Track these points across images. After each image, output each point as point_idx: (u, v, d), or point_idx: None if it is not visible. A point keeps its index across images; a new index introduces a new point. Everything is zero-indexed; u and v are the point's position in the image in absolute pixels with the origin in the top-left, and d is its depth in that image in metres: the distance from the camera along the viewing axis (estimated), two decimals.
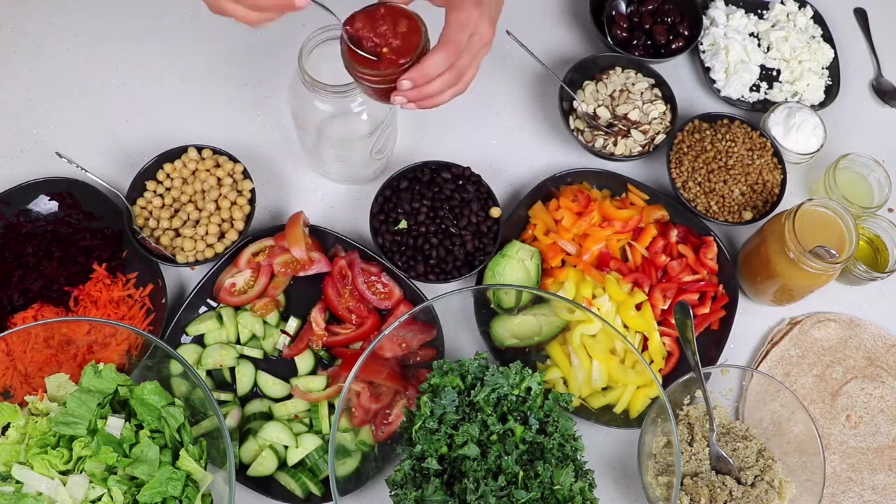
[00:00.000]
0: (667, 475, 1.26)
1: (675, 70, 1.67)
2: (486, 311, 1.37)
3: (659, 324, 1.40)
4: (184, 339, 1.35)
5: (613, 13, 1.66)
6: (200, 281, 1.37)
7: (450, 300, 1.30)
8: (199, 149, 1.44)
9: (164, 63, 1.59)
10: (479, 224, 1.40)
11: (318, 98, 1.25)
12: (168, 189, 1.43)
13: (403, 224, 1.38)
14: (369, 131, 1.33)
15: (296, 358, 1.34)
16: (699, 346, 1.41)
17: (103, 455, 1.13)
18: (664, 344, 1.39)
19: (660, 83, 1.57)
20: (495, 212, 1.42)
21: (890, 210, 1.59)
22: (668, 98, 1.56)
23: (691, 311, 1.35)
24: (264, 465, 1.26)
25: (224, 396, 1.32)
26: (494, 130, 1.59)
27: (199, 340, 1.36)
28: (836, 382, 1.43)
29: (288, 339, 1.36)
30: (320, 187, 1.51)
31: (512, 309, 1.36)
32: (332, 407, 1.31)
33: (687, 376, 1.32)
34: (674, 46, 1.63)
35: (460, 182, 1.43)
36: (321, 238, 1.41)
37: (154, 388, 1.19)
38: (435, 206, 1.41)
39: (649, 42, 1.64)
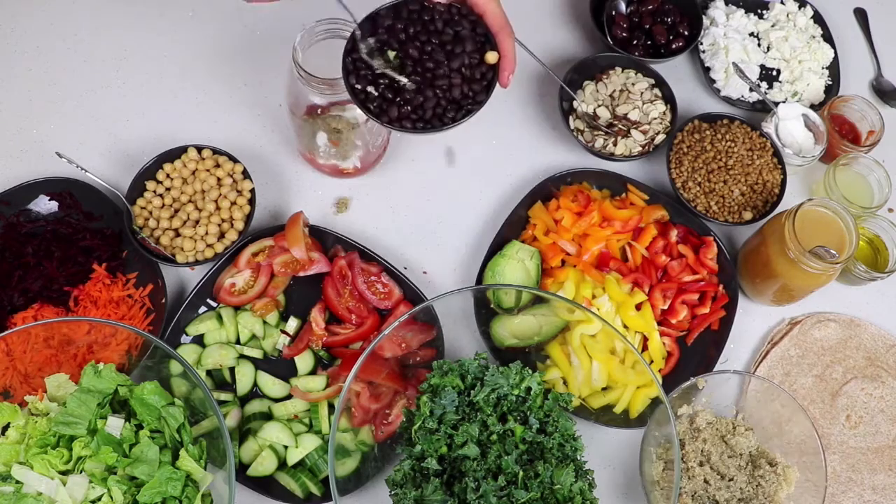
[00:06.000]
0: (666, 481, 1.26)
1: (675, 70, 1.67)
2: (486, 311, 1.36)
3: (659, 324, 1.40)
4: (184, 339, 1.35)
5: (613, 13, 1.66)
6: (200, 281, 1.37)
7: (450, 300, 1.30)
8: (199, 149, 1.44)
9: (164, 63, 1.59)
10: (471, 67, 1.16)
11: (312, 92, 1.25)
12: (168, 189, 1.43)
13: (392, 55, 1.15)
14: (363, 123, 1.33)
15: (296, 358, 1.34)
16: (699, 346, 1.41)
17: (103, 455, 1.13)
18: (664, 344, 1.39)
19: (660, 83, 1.57)
20: (491, 56, 1.16)
21: (890, 210, 1.59)
22: (668, 98, 1.56)
23: None
24: (264, 465, 1.26)
25: (224, 396, 1.32)
26: (494, 130, 1.59)
27: (199, 340, 1.36)
28: (836, 382, 1.43)
29: (288, 339, 1.36)
30: (320, 187, 1.51)
31: (512, 309, 1.36)
32: (331, 407, 1.31)
33: (688, 382, 1.32)
34: (674, 46, 1.63)
35: (455, 17, 1.18)
36: (321, 238, 1.41)
37: (154, 388, 1.19)
38: (421, 38, 1.16)
39: (649, 42, 1.64)
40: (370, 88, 1.15)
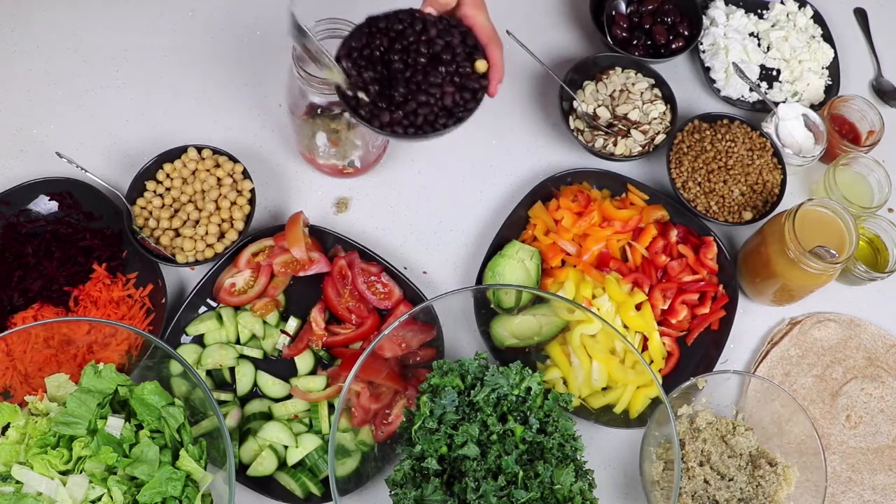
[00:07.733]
0: (666, 481, 1.26)
1: (675, 70, 1.67)
2: (486, 311, 1.36)
3: (659, 324, 1.40)
4: (184, 339, 1.35)
5: (613, 13, 1.66)
6: (200, 281, 1.37)
7: (450, 300, 1.30)
8: (199, 149, 1.44)
9: (164, 63, 1.59)
10: (462, 76, 1.18)
11: (312, 92, 1.26)
12: (168, 189, 1.43)
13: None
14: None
15: (296, 358, 1.34)
16: (699, 346, 1.41)
17: (103, 455, 1.13)
18: (664, 344, 1.39)
19: (660, 83, 1.57)
20: (481, 65, 1.19)
21: (890, 210, 1.59)
22: (668, 98, 1.56)
23: None
24: (264, 465, 1.26)
25: (224, 396, 1.32)
26: (494, 130, 1.59)
27: (199, 340, 1.36)
28: (836, 382, 1.43)
29: (288, 339, 1.36)
30: (320, 187, 1.51)
31: (512, 309, 1.36)
32: (331, 407, 1.31)
33: (688, 382, 1.32)
34: (674, 46, 1.63)
35: (446, 28, 1.20)
36: (321, 238, 1.41)
37: (154, 388, 1.19)
38: (411, 48, 1.19)
39: (649, 42, 1.64)
40: (361, 94, 1.16)
